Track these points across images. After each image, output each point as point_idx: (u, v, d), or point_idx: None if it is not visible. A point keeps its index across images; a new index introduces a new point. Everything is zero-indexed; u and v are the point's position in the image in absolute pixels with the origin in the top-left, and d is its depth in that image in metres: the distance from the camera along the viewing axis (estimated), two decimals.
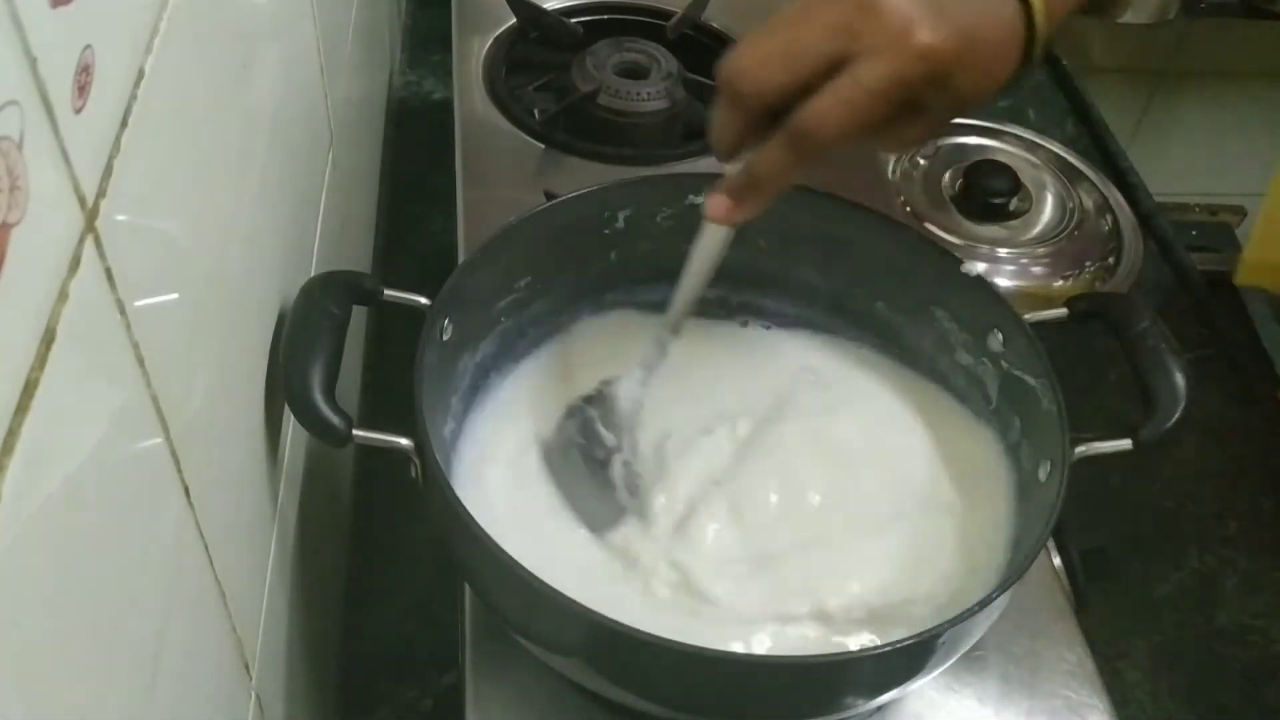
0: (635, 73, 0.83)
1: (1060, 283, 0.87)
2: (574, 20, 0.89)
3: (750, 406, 0.61)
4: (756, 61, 0.45)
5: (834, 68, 0.43)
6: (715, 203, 0.49)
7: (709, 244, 0.51)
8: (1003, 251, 0.87)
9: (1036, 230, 0.90)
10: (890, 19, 0.42)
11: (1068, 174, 0.95)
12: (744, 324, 0.66)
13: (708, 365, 0.63)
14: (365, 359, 0.80)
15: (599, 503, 0.55)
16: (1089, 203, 0.93)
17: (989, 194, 0.89)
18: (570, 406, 0.58)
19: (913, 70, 0.42)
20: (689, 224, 0.62)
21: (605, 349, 0.63)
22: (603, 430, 0.56)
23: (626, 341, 0.63)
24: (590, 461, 0.56)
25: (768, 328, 0.66)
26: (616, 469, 0.56)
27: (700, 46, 0.89)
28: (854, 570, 0.53)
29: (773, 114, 0.45)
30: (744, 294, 0.66)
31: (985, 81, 0.45)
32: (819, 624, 0.51)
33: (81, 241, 0.28)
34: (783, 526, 0.55)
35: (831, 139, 0.44)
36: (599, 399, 0.57)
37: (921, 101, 0.45)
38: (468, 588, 0.53)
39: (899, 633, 0.48)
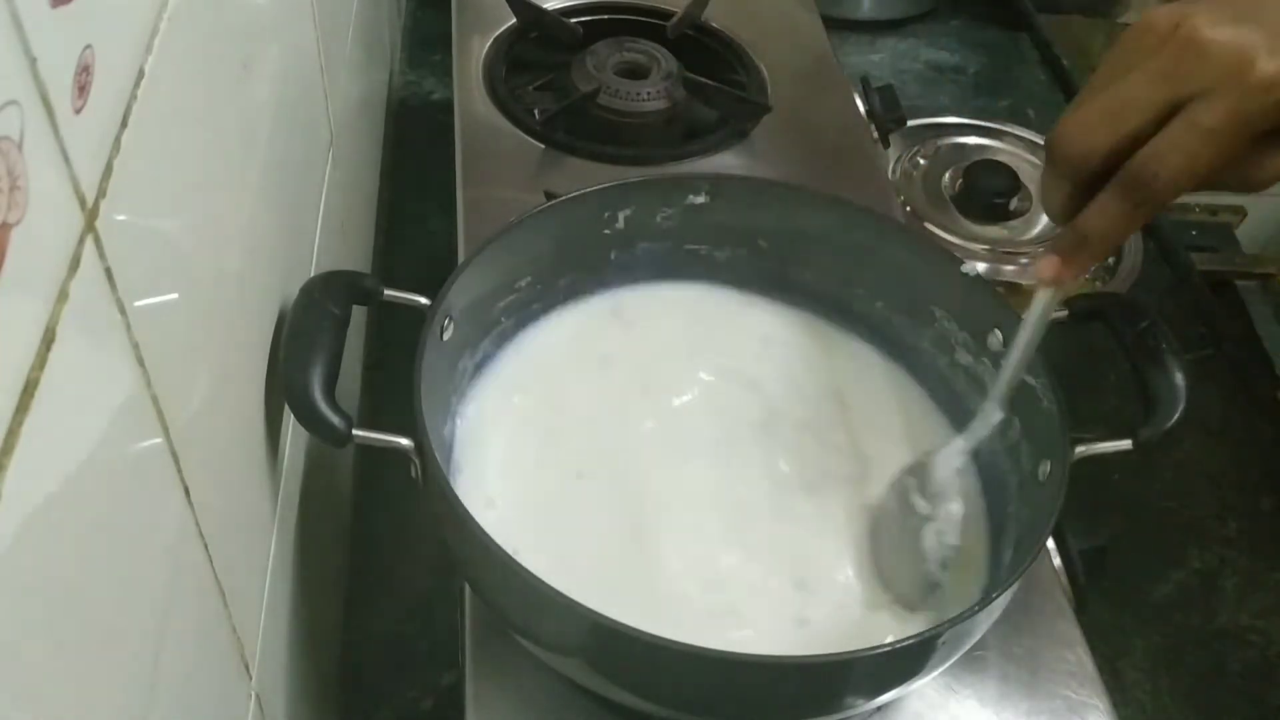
0: (635, 73, 0.83)
1: None
2: (574, 20, 0.89)
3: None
4: (1082, 124, 0.42)
5: (1165, 118, 0.40)
6: (1046, 264, 0.47)
7: (1039, 309, 0.49)
8: (1003, 251, 0.87)
9: (1036, 230, 0.90)
10: (1222, 54, 0.39)
11: None
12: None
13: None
14: (365, 359, 0.80)
15: (908, 571, 0.53)
16: None
17: (989, 194, 0.89)
18: (894, 478, 0.56)
19: (1255, 104, 0.39)
20: (689, 224, 0.62)
21: (605, 349, 0.63)
22: (918, 499, 0.54)
23: (626, 340, 0.63)
24: (904, 531, 0.54)
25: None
26: (929, 540, 0.53)
27: (700, 46, 0.90)
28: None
29: (1105, 176, 0.43)
30: (744, 294, 0.66)
31: None
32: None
33: (81, 241, 0.28)
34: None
35: (1168, 186, 0.41)
36: (918, 468, 0.55)
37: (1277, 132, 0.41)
38: (468, 588, 0.53)
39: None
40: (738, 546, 0.55)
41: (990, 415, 0.52)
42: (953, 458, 0.53)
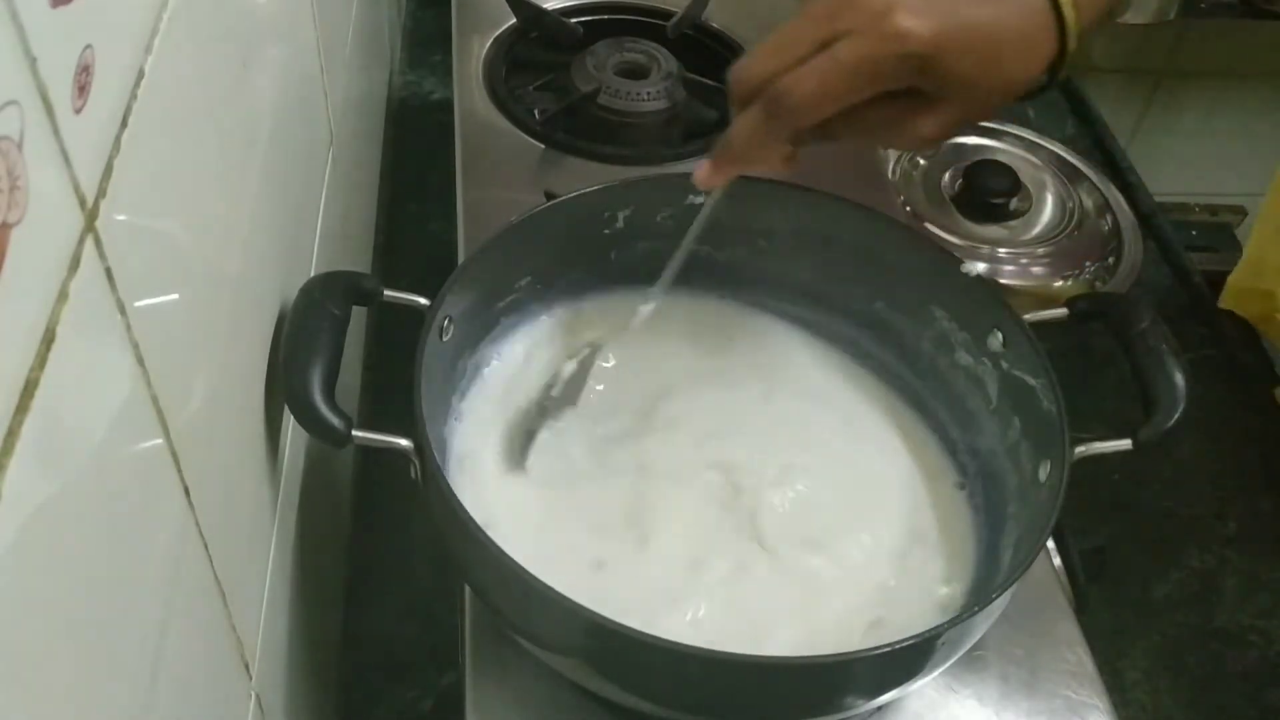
0: (635, 73, 0.83)
1: (1060, 283, 0.87)
2: (574, 20, 0.89)
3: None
4: (753, 57, 0.48)
5: (820, 52, 0.46)
6: (699, 169, 0.52)
7: (706, 209, 0.55)
8: (1003, 251, 0.87)
9: (1036, 230, 0.90)
10: (871, 3, 0.45)
11: (1068, 174, 0.95)
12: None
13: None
14: (365, 359, 0.80)
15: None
16: (1089, 203, 0.93)
17: (989, 194, 0.89)
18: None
19: (887, 50, 0.45)
20: (689, 224, 0.62)
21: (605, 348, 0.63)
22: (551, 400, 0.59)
23: (626, 340, 0.63)
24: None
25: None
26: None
27: (700, 46, 0.90)
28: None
29: None
30: (745, 294, 0.66)
31: (992, 73, 0.46)
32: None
33: (81, 241, 0.28)
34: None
35: (800, 105, 0.46)
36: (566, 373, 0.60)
37: (924, 93, 0.47)
38: (468, 588, 0.53)
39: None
40: (739, 546, 0.55)
41: (651, 298, 0.58)
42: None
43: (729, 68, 0.49)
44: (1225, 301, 0.86)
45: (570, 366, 0.59)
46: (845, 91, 0.46)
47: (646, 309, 0.58)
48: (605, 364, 0.62)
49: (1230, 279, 0.87)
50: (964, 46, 0.45)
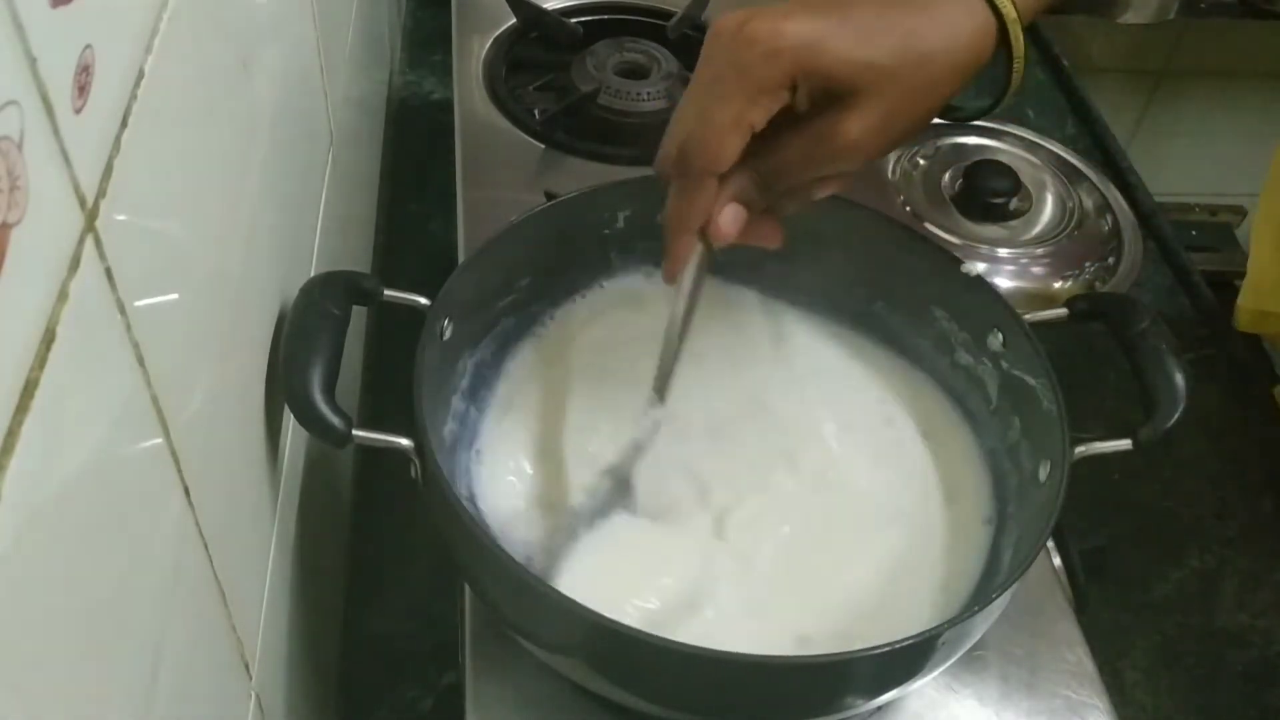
0: (635, 73, 0.83)
1: (1060, 283, 0.87)
2: (574, 20, 0.89)
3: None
4: (663, 141, 0.48)
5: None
6: (663, 269, 0.50)
7: (681, 302, 0.52)
8: (1003, 251, 0.87)
9: (1036, 230, 0.90)
10: (724, 26, 0.44)
11: (1068, 174, 0.95)
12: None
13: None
14: (365, 359, 0.80)
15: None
16: (1089, 203, 0.93)
17: (989, 194, 0.89)
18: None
19: (748, 55, 0.43)
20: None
21: (604, 349, 0.63)
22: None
23: (626, 341, 0.63)
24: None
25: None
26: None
27: (700, 46, 0.89)
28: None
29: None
30: (744, 293, 0.66)
31: (905, 52, 0.44)
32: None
33: (81, 241, 0.28)
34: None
35: (700, 152, 0.45)
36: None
37: (831, 96, 0.44)
38: (468, 588, 0.53)
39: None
40: (740, 545, 0.55)
41: (655, 413, 0.54)
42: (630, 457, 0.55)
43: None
44: (1242, 325, 0.86)
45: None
46: (732, 117, 0.44)
47: (657, 413, 0.55)
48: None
49: (1238, 302, 0.87)
50: (841, 30, 0.43)
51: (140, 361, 0.32)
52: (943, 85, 0.45)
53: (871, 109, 0.44)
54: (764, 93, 0.44)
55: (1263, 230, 0.86)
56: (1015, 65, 0.47)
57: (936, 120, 0.48)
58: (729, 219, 0.47)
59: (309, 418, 0.48)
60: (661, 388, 0.53)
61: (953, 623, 0.44)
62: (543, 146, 0.80)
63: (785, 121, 0.45)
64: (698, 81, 0.46)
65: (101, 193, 0.29)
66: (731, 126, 0.44)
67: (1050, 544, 0.59)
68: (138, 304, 0.31)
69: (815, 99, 0.45)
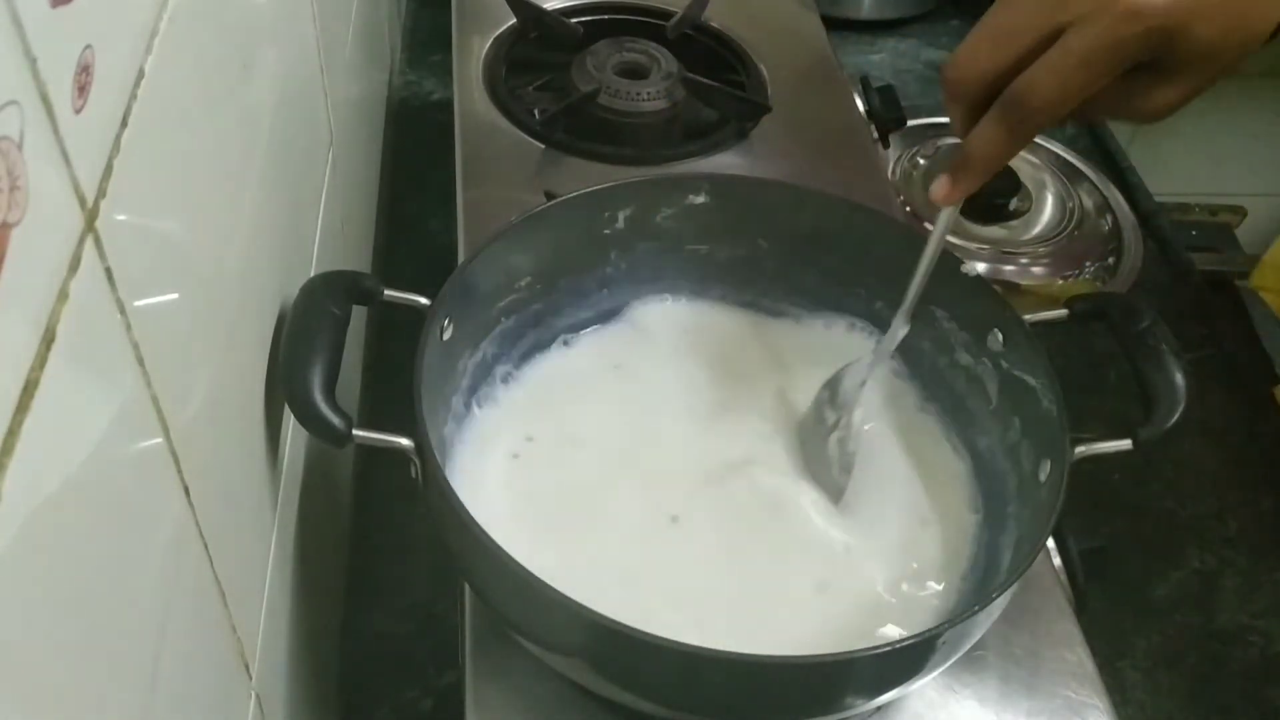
0: (635, 73, 0.83)
1: (1060, 283, 0.87)
2: (574, 20, 0.89)
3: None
4: (971, 51, 0.46)
5: (1045, 46, 0.43)
6: (938, 184, 0.50)
7: (941, 224, 0.53)
8: (1003, 251, 0.87)
9: (1036, 230, 0.90)
10: None
11: (1068, 174, 0.95)
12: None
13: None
14: (365, 359, 0.80)
15: (827, 474, 0.58)
16: (1089, 203, 0.93)
17: (989, 194, 0.89)
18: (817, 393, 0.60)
19: (1125, 31, 0.42)
20: (689, 224, 0.62)
21: (605, 348, 0.63)
22: (827, 410, 0.58)
23: (627, 340, 0.63)
24: (817, 438, 0.58)
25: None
26: (832, 446, 0.57)
27: (700, 46, 0.90)
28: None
29: (993, 100, 0.46)
30: (744, 294, 0.66)
31: (1237, 30, 0.43)
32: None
33: (81, 241, 0.28)
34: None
35: (1042, 108, 0.44)
36: (832, 382, 0.59)
37: (1160, 63, 0.44)
38: (468, 588, 0.53)
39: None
40: (740, 546, 0.55)
41: (897, 330, 0.56)
42: (860, 371, 0.58)
43: (946, 61, 0.47)
44: (1256, 281, 0.86)
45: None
46: (1087, 84, 0.43)
47: (900, 333, 0.56)
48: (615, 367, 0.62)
49: (1265, 258, 0.86)
50: (1202, 9, 0.42)
51: (140, 361, 0.32)
52: (1248, 52, 0.45)
53: (1189, 82, 0.44)
54: (1122, 65, 0.43)
55: None
56: None
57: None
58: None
59: (309, 418, 0.48)
60: (911, 309, 0.55)
61: (953, 623, 0.44)
62: (543, 146, 0.80)
63: None
64: (1038, 18, 0.43)
65: (101, 193, 0.29)
66: (1083, 91, 0.43)
67: (1050, 544, 0.59)
68: (138, 304, 0.31)
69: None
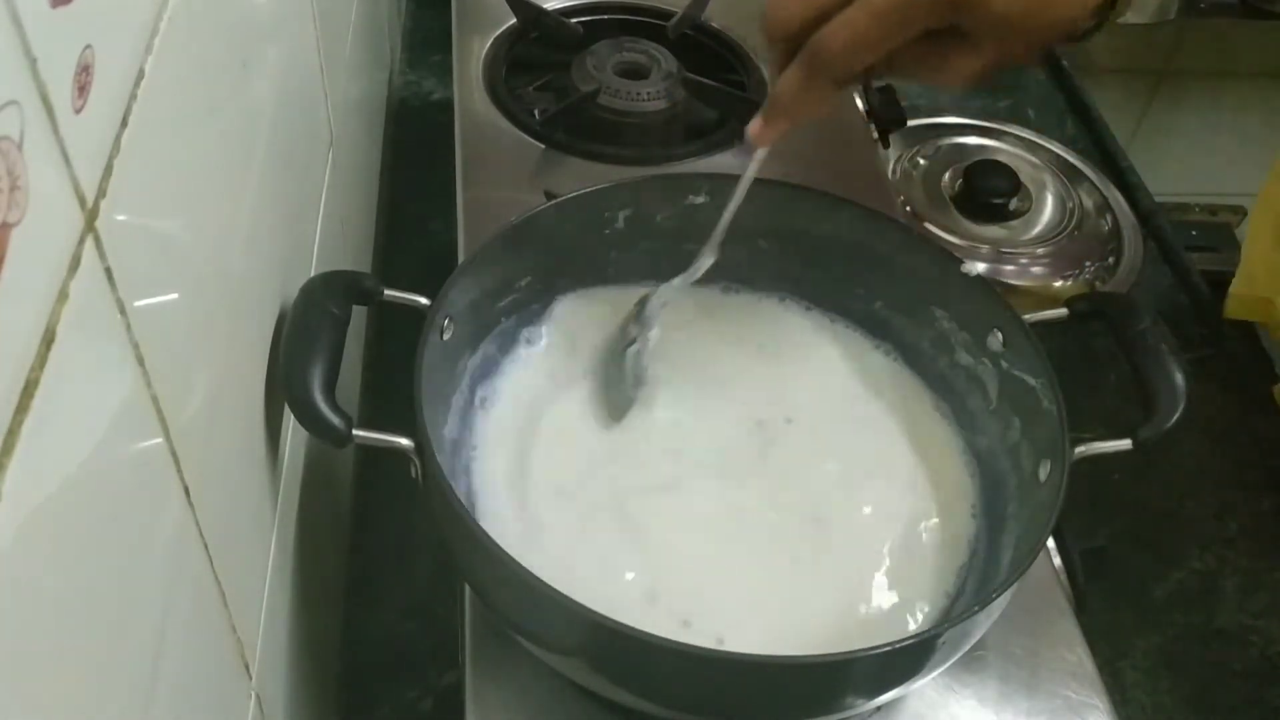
0: (635, 73, 0.83)
1: (1060, 283, 0.87)
2: (574, 20, 0.89)
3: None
4: (779, 2, 0.49)
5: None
6: (752, 125, 0.52)
7: (754, 164, 0.55)
8: (1003, 251, 0.87)
9: (1036, 230, 0.90)
10: None
11: (1068, 174, 0.95)
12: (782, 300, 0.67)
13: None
14: (365, 359, 0.80)
15: (614, 393, 0.60)
16: (1089, 203, 0.93)
17: (989, 194, 0.89)
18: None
19: None
20: (689, 224, 0.62)
21: (606, 349, 0.63)
22: (631, 327, 0.60)
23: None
24: (614, 355, 0.60)
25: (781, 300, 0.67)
26: (629, 359, 0.59)
27: (700, 46, 0.89)
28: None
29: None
30: (745, 293, 0.66)
31: (1038, 9, 0.45)
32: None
33: (81, 241, 0.28)
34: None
35: (839, 57, 0.46)
36: (640, 300, 0.60)
37: (964, 31, 0.46)
38: (468, 588, 0.53)
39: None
40: (740, 546, 0.55)
41: (704, 259, 0.58)
42: (666, 293, 0.59)
43: (762, 15, 0.50)
44: (1230, 311, 0.86)
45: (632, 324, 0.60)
46: (882, 39, 0.46)
47: (705, 262, 0.58)
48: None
49: (1231, 289, 0.87)
50: None
51: (140, 361, 0.32)
52: (1056, 37, 0.47)
53: (989, 52, 0.47)
54: (916, 26, 0.46)
55: (1261, 219, 0.86)
56: None
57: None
58: (828, 105, 0.50)
59: (309, 418, 0.48)
60: (717, 243, 0.57)
61: (953, 623, 0.44)
62: (543, 146, 0.80)
63: None
64: None
65: (101, 193, 0.29)
66: (878, 46, 0.46)
67: (1050, 544, 0.59)
68: (138, 304, 0.31)
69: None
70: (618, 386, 0.60)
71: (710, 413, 0.61)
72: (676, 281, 0.59)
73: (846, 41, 0.46)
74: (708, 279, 0.64)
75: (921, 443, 0.60)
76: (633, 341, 0.59)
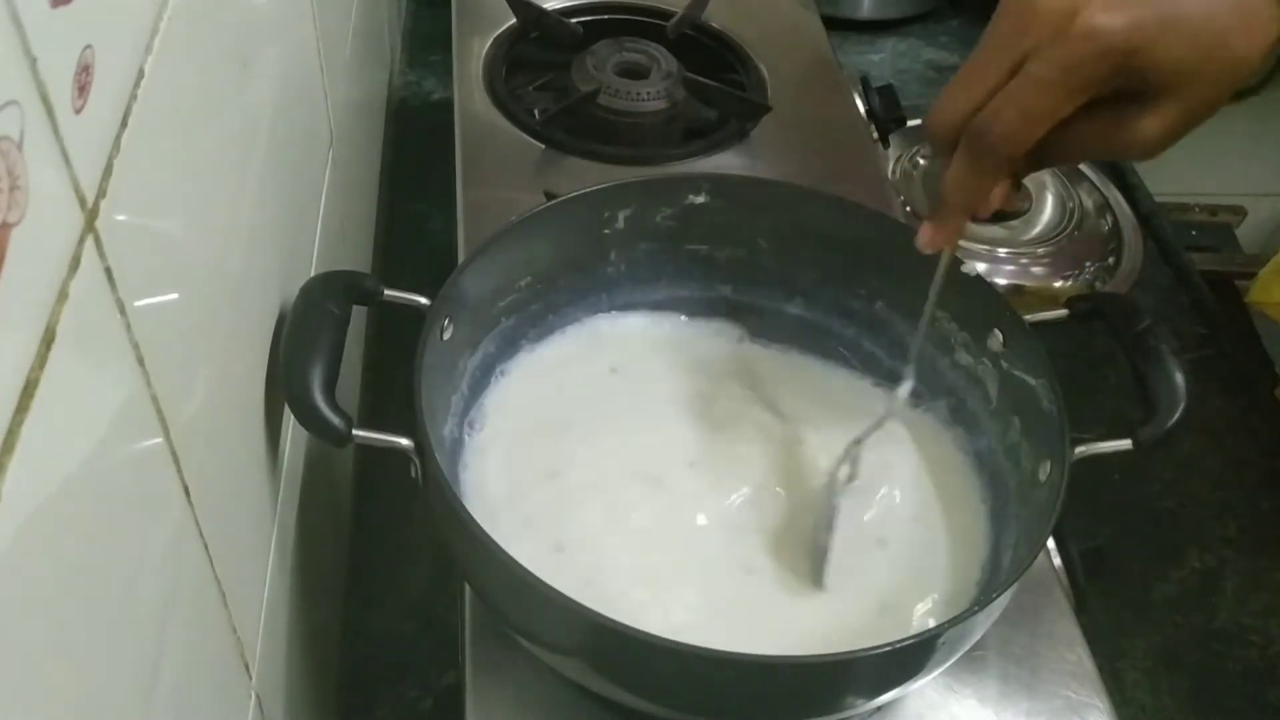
0: (635, 73, 0.83)
1: (1060, 283, 0.87)
2: (574, 20, 0.89)
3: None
4: (945, 98, 0.45)
5: (1011, 77, 0.43)
6: (921, 232, 0.50)
7: (940, 273, 0.52)
8: (1003, 251, 0.87)
9: (1036, 230, 0.90)
10: (1049, 12, 0.41)
11: (1068, 174, 0.95)
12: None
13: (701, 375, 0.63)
14: (365, 359, 0.80)
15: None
16: (1089, 203, 0.93)
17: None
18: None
19: (1082, 52, 0.41)
20: (689, 224, 0.62)
21: (605, 349, 0.63)
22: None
23: (626, 341, 0.63)
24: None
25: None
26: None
27: (700, 46, 0.90)
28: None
29: None
30: (745, 293, 0.66)
31: (1214, 51, 0.41)
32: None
33: (81, 241, 0.28)
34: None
35: (1005, 137, 0.43)
36: (852, 448, 0.56)
37: (1140, 92, 0.42)
38: (468, 588, 0.53)
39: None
40: (743, 546, 0.55)
41: (906, 385, 0.56)
42: (873, 430, 0.56)
43: (923, 117, 0.46)
44: (1253, 295, 0.86)
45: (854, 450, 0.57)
46: (1047, 111, 0.42)
47: (905, 389, 0.56)
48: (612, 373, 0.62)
49: (1261, 273, 0.86)
50: (1168, 30, 0.41)
51: (140, 361, 0.32)
52: (1241, 79, 0.43)
53: (1174, 109, 0.43)
54: (1085, 90, 0.42)
55: None
56: None
57: None
58: (1000, 195, 0.47)
59: (309, 418, 0.48)
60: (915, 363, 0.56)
61: (953, 623, 0.44)
62: (543, 146, 0.80)
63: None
64: (1004, 53, 0.43)
65: (101, 193, 0.29)
66: (1046, 119, 0.43)
67: (1050, 544, 0.59)
68: (138, 304, 0.31)
69: (1118, 88, 0.43)
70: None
71: (709, 414, 0.61)
72: (894, 408, 0.57)
73: (1010, 118, 0.43)
74: (704, 280, 0.65)
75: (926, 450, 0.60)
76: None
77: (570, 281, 0.63)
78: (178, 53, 0.36)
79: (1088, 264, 0.88)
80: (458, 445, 0.57)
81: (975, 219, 0.49)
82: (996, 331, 0.57)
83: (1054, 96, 0.42)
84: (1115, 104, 0.43)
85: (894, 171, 0.93)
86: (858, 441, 0.56)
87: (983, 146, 0.44)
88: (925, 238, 0.50)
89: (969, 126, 0.44)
